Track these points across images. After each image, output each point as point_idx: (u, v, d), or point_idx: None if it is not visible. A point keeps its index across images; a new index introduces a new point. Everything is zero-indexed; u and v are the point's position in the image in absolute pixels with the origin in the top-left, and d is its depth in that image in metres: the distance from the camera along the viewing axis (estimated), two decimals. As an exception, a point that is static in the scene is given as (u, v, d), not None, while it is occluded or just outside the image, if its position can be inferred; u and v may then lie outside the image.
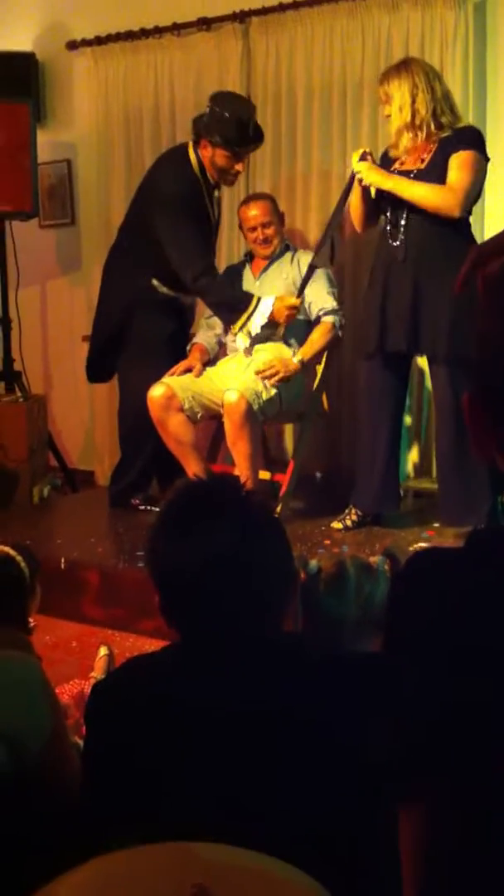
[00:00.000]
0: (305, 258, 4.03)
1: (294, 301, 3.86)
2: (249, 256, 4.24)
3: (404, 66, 3.50)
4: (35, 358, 5.42)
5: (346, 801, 1.21)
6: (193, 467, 3.80)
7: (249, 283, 4.14)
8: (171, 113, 4.85)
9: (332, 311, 3.98)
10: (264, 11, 4.54)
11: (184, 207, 3.95)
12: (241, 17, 4.60)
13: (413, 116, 3.44)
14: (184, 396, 3.80)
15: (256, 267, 4.16)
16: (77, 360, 5.36)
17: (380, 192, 3.56)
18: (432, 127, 3.45)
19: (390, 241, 3.53)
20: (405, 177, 3.48)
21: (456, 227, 3.47)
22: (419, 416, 4.40)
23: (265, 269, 4.11)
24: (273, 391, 3.73)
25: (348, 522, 3.78)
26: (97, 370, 4.38)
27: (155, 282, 4.12)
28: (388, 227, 3.55)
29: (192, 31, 4.77)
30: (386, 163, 3.61)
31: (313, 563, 1.73)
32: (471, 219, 3.61)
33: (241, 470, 3.68)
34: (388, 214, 3.56)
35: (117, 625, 3.42)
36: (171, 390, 3.80)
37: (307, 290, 3.93)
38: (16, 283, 5.07)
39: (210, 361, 4.09)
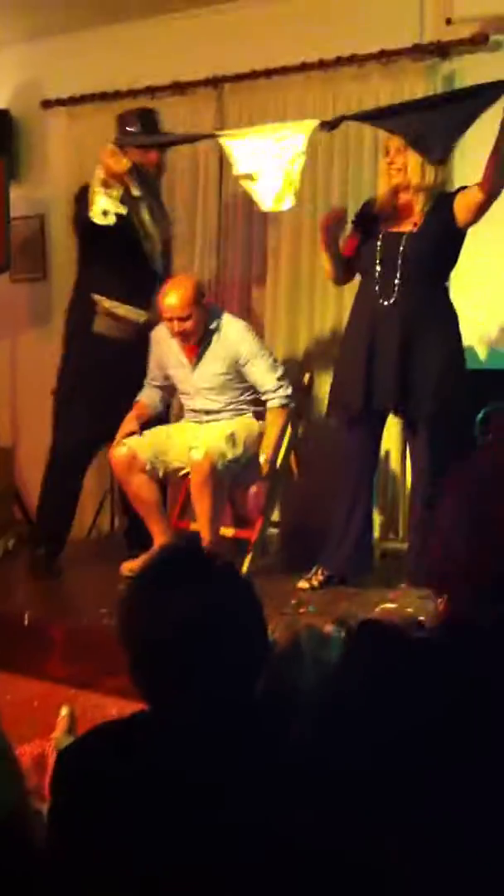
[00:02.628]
0: (233, 328, 3.87)
1: None
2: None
3: None
4: (3, 410, 5.41)
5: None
6: (156, 527, 3.83)
7: (184, 369, 3.93)
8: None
9: (274, 390, 3.87)
10: (238, 78, 4.65)
11: (90, 237, 3.98)
12: (215, 82, 4.71)
13: (434, 180, 3.45)
14: (146, 457, 3.80)
15: (188, 351, 3.91)
16: (45, 413, 5.34)
17: (367, 250, 3.55)
18: (438, 191, 3.47)
19: (381, 301, 3.51)
20: (395, 238, 3.49)
21: (443, 290, 3.55)
22: (385, 474, 4.42)
23: (198, 358, 3.89)
24: (239, 450, 3.74)
25: (314, 583, 3.75)
26: None
27: (96, 297, 4.02)
28: (379, 286, 3.53)
29: (166, 95, 4.87)
30: (368, 220, 3.61)
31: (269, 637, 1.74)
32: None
33: (201, 527, 3.71)
34: (378, 273, 3.53)
35: (81, 683, 3.37)
36: (132, 451, 3.80)
37: (245, 373, 3.86)
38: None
39: (158, 419, 4.06)
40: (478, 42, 4.13)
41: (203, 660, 1.33)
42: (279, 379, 3.88)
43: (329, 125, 3.65)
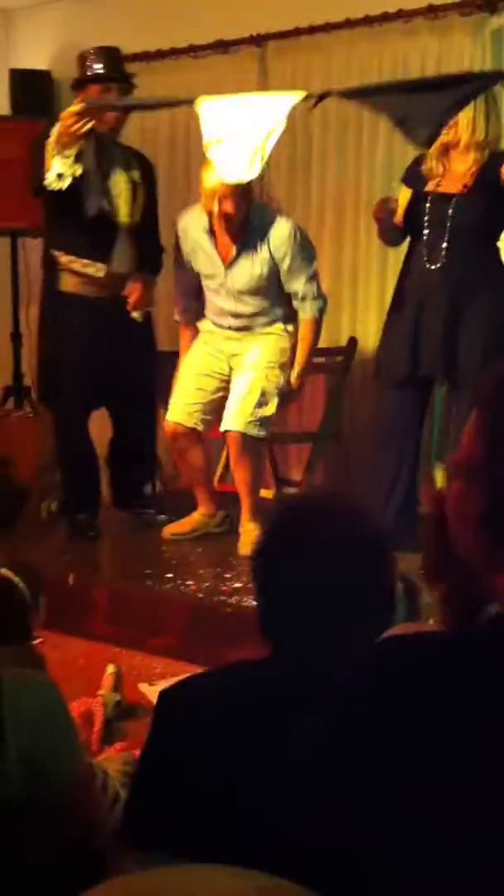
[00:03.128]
0: (283, 227, 3.59)
1: None
2: (210, 226, 3.64)
3: None
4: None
5: None
6: (202, 493, 3.91)
7: (215, 265, 3.68)
8: (187, 134, 4.86)
9: (313, 299, 3.68)
10: (281, 35, 4.58)
11: (44, 193, 3.78)
12: (258, 40, 4.65)
13: (486, 136, 3.33)
14: (192, 423, 3.80)
15: (223, 247, 3.64)
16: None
17: (416, 211, 3.47)
18: (491, 150, 3.34)
19: (428, 265, 3.44)
20: (444, 200, 3.40)
21: (494, 252, 3.44)
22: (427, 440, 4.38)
23: (235, 257, 3.64)
24: (272, 407, 3.69)
25: None
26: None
27: (55, 252, 3.90)
28: (426, 250, 3.45)
29: (208, 54, 4.81)
30: (416, 178, 3.51)
31: None
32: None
33: (241, 495, 3.76)
34: (426, 236, 3.46)
35: (125, 642, 3.40)
36: (179, 425, 3.79)
37: (285, 278, 3.64)
38: (27, 298, 5.09)
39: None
40: (528, -5, 4.03)
41: (335, 614, 1.34)
42: (318, 291, 3.69)
43: (316, 99, 3.40)
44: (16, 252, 4.97)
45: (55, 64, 5.36)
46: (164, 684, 2.93)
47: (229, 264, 3.66)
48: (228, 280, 3.67)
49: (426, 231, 3.45)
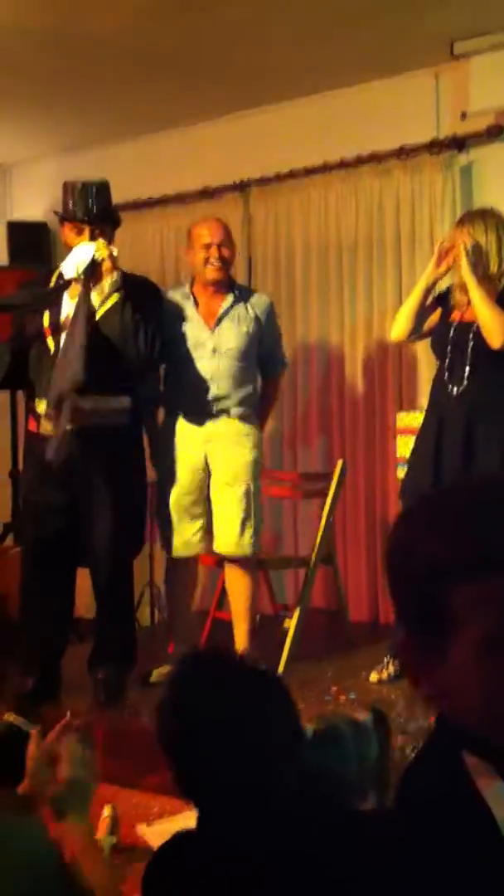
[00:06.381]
0: (260, 301, 3.80)
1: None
2: (192, 297, 3.73)
3: (490, 214, 3.46)
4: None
5: None
6: (182, 626, 3.91)
7: (201, 331, 3.68)
8: (176, 277, 5.06)
9: (283, 363, 3.97)
10: (263, 181, 4.82)
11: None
12: (242, 186, 4.89)
13: (499, 267, 3.39)
14: (196, 551, 3.81)
15: (207, 314, 3.71)
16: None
17: (442, 336, 3.51)
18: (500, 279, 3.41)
19: (450, 389, 3.44)
20: (467, 330, 3.43)
21: None
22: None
23: (219, 320, 3.70)
24: (261, 522, 3.77)
25: (385, 675, 3.61)
26: None
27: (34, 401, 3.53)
28: (447, 374, 3.47)
29: (195, 200, 5.05)
30: (444, 307, 3.56)
31: (308, 727, 1.74)
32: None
33: (238, 616, 3.77)
34: (448, 361, 3.48)
35: (122, 781, 3.32)
36: (183, 558, 3.83)
37: (265, 342, 3.78)
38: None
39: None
40: (493, 134, 4.25)
41: (240, 762, 1.36)
42: (283, 354, 3.96)
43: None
44: (14, 393, 5.08)
45: (50, 215, 5.60)
46: (161, 824, 2.87)
47: (215, 324, 3.69)
48: (215, 341, 3.66)
49: (448, 357, 3.48)
